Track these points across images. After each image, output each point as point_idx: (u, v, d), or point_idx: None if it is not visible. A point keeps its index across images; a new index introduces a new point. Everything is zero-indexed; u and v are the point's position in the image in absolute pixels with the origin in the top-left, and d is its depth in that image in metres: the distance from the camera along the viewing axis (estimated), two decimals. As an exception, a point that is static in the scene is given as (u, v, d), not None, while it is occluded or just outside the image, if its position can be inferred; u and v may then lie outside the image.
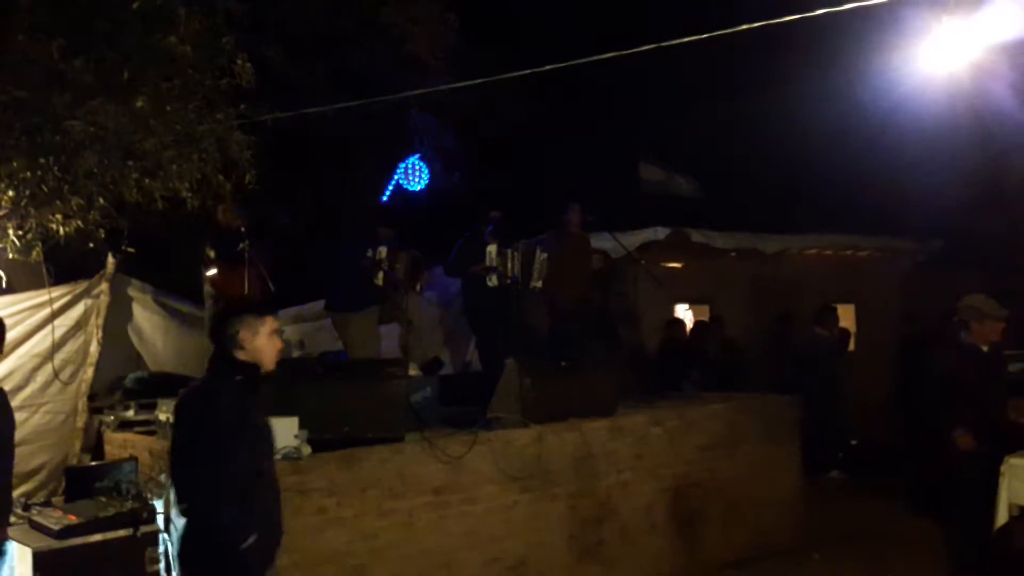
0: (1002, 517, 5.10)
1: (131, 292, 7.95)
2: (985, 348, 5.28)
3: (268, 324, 3.42)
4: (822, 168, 11.29)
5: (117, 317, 7.69)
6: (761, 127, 11.40)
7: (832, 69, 9.58)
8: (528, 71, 5.56)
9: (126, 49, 5.11)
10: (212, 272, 5.88)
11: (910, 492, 7.34)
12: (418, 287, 7.48)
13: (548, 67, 5.54)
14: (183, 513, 3.22)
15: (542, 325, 7.10)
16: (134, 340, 8.01)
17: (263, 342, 3.40)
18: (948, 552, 5.48)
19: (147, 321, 8.06)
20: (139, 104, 5.22)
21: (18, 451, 6.92)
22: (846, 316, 10.57)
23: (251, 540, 3.19)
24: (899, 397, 8.36)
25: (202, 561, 3.24)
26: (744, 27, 5.05)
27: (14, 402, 7.02)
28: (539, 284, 7.08)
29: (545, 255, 7.09)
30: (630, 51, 5.29)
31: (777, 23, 5.02)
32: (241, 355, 3.36)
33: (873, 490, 8.23)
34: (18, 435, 7.00)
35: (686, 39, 5.15)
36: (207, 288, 6.05)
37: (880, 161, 10.96)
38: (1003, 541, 5.15)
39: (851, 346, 10.77)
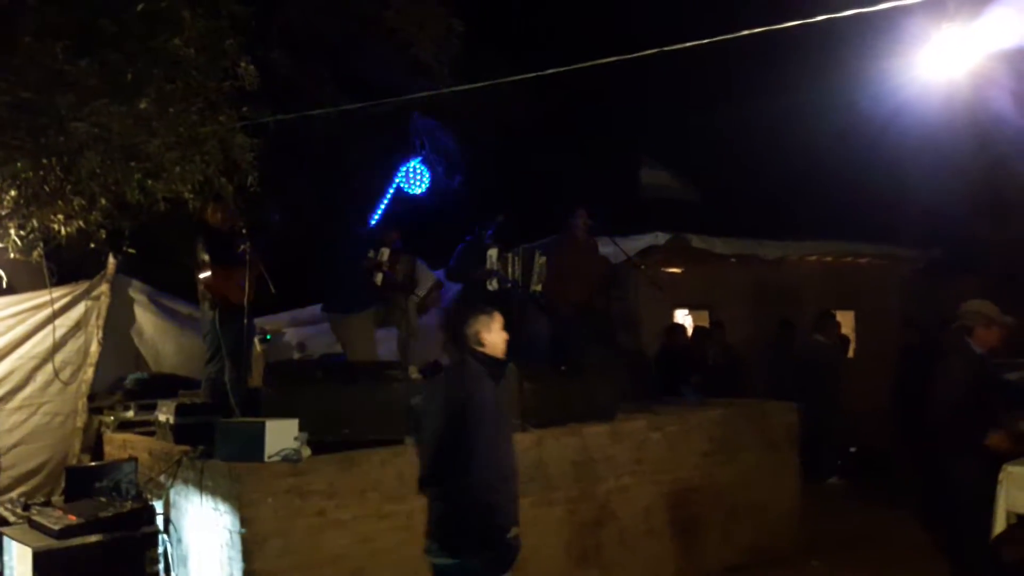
0: (1000, 525, 5.11)
1: (132, 293, 7.96)
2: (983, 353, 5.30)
3: (498, 321, 3.86)
4: (822, 175, 11.31)
5: (117, 318, 7.70)
6: (761, 133, 11.43)
7: (832, 76, 9.59)
8: (530, 75, 5.56)
9: (130, 51, 5.12)
10: (206, 275, 5.86)
11: (917, 498, 7.32)
12: (417, 296, 7.48)
13: (550, 71, 5.54)
14: (457, 497, 3.57)
15: (543, 329, 7.09)
16: (134, 341, 8.03)
17: (496, 337, 3.83)
18: (949, 559, 5.48)
19: (147, 322, 8.08)
20: (143, 105, 5.23)
21: (17, 451, 6.97)
22: (846, 323, 10.58)
23: (515, 531, 3.62)
24: (898, 404, 8.37)
25: (472, 540, 3.59)
26: (745, 32, 5.06)
27: (13, 402, 7.07)
28: (538, 288, 7.07)
29: (544, 258, 7.09)
30: (631, 55, 5.30)
31: (777, 29, 5.03)
32: (481, 349, 3.79)
33: (872, 497, 8.23)
34: (17, 435, 7.06)
35: (687, 44, 5.16)
36: (201, 291, 6.03)
37: (880, 168, 10.99)
38: (995, 551, 5.16)
39: (851, 353, 10.78)
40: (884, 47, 5.96)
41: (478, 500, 3.53)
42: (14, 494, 6.70)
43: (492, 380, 3.72)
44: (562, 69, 5.48)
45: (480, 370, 3.73)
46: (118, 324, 7.75)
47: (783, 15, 5.03)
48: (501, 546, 3.60)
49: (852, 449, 9.45)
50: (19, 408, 7.10)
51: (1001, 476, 5.14)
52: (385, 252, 7.05)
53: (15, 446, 6.99)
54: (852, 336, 11.07)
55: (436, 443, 3.69)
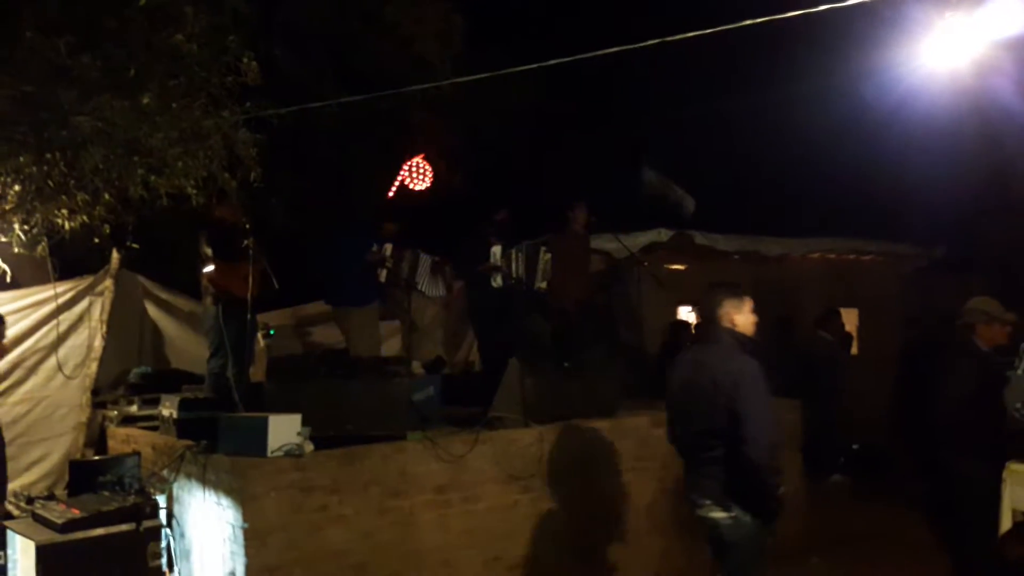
0: (1005, 523, 5.10)
1: (135, 288, 7.97)
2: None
3: (748, 303, 4.18)
4: (826, 171, 11.29)
5: (121, 313, 7.71)
6: (763, 128, 11.39)
7: (834, 66, 9.54)
8: (532, 66, 5.54)
9: (133, 46, 5.13)
10: (209, 269, 5.88)
11: (919, 495, 7.31)
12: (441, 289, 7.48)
13: (552, 61, 5.52)
14: (734, 460, 3.94)
15: (545, 325, 7.10)
16: (138, 336, 8.04)
17: (746, 318, 4.16)
18: (951, 557, 5.47)
19: (151, 317, 8.09)
20: (145, 101, 5.24)
21: (18, 443, 7.00)
22: (849, 320, 10.56)
23: (783, 488, 4.06)
24: (900, 401, 8.35)
25: (749, 497, 4.00)
26: (747, 23, 5.04)
27: (16, 395, 7.09)
28: (543, 285, 7.07)
29: (549, 255, 7.09)
30: (631, 46, 5.27)
31: (779, 19, 5.00)
32: (734, 328, 4.12)
33: (873, 494, 8.23)
34: (19, 428, 7.08)
35: (687, 35, 5.14)
36: (204, 285, 6.05)
37: (883, 164, 10.95)
38: (1000, 549, 5.15)
39: (853, 350, 10.77)
40: (887, 36, 5.91)
41: (755, 463, 3.88)
42: (16, 485, 6.75)
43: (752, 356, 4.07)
44: (564, 60, 5.46)
45: (739, 347, 4.07)
46: (122, 319, 7.76)
47: (785, 5, 5.02)
48: (773, 501, 4.02)
49: (854, 446, 9.44)
50: (20, 401, 7.12)
51: (1005, 474, 5.12)
52: (388, 247, 7.05)
53: (16, 439, 7.02)
54: (855, 333, 11.05)
55: (708, 412, 4.02)
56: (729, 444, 3.94)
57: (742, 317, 4.15)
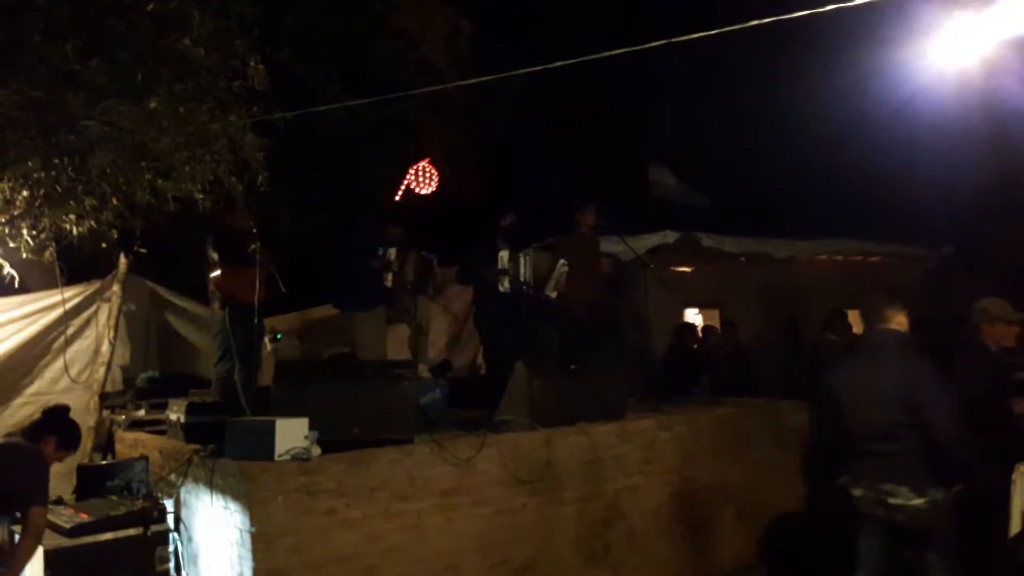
0: (1015, 525, 5.06)
1: (142, 292, 8.00)
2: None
3: (905, 310, 4.61)
4: (833, 172, 11.25)
5: (128, 317, 7.74)
6: (771, 129, 11.37)
7: (843, 65, 9.51)
8: (538, 67, 5.53)
9: (140, 50, 5.14)
10: (215, 274, 5.88)
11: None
12: (430, 290, 7.49)
13: (558, 63, 5.50)
14: (924, 449, 4.30)
15: (552, 328, 7.08)
16: (145, 340, 8.06)
17: (905, 321, 4.58)
18: (961, 558, 5.43)
19: (158, 321, 8.12)
20: (153, 105, 5.26)
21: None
22: (857, 322, 10.50)
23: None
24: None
25: (942, 480, 4.34)
26: (754, 23, 5.02)
27: (22, 398, 7.13)
28: (554, 294, 6.99)
29: (566, 267, 6.98)
30: (638, 47, 5.25)
31: (787, 19, 4.99)
32: (899, 331, 4.57)
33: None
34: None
35: (695, 35, 5.12)
36: (211, 290, 6.06)
37: (891, 164, 10.92)
38: (1011, 551, 5.11)
39: (861, 352, 10.70)
40: (894, 36, 5.89)
41: (951, 441, 4.21)
42: None
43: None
44: (570, 62, 5.45)
45: (908, 347, 4.48)
46: (129, 323, 7.78)
47: (792, 6, 5.00)
48: (975, 470, 4.38)
49: (863, 449, 9.38)
50: (26, 404, 7.16)
51: (1015, 475, 5.08)
52: (392, 252, 7.05)
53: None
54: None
55: (893, 408, 4.34)
56: (919, 434, 4.27)
57: (902, 320, 4.61)
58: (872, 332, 4.71)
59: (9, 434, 4.70)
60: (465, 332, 9.38)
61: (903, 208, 10.90)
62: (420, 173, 12.45)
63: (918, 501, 4.33)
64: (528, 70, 5.58)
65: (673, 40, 5.06)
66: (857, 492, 4.56)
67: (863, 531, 4.58)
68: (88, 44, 4.98)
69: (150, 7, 5.06)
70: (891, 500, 4.39)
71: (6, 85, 4.89)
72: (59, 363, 7.22)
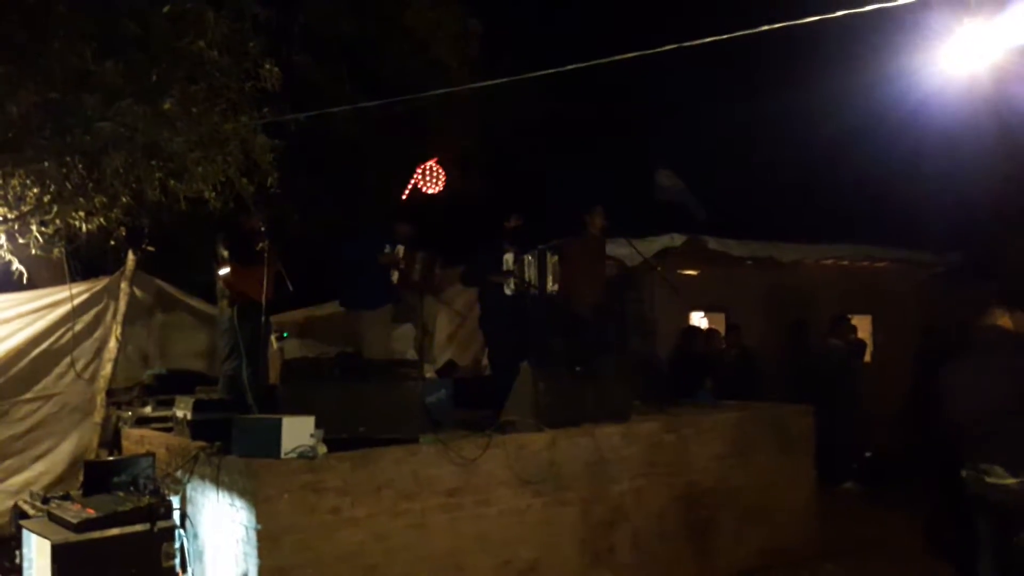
0: None
1: (150, 290, 8.03)
2: None
3: (1005, 313, 4.87)
4: (841, 177, 11.25)
5: (136, 314, 7.77)
6: (780, 134, 11.36)
7: (852, 71, 9.51)
8: (548, 71, 5.54)
9: (155, 52, 5.18)
10: (225, 271, 5.92)
11: (933, 503, 7.26)
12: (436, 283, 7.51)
13: (568, 67, 5.51)
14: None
15: (558, 330, 7.09)
16: (153, 337, 8.09)
17: (1014, 321, 4.86)
18: (963, 565, 5.45)
19: (166, 319, 8.15)
20: (166, 106, 5.30)
21: (27, 437, 7.12)
22: (863, 327, 10.50)
23: None
24: (916, 409, 8.30)
25: None
26: (764, 28, 5.03)
27: (30, 394, 7.18)
28: (555, 288, 7.05)
29: (556, 257, 7.04)
30: (648, 52, 5.26)
31: (797, 24, 4.99)
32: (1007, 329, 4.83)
33: (887, 502, 8.18)
34: (28, 423, 7.18)
35: (703, 40, 5.12)
36: (220, 288, 6.09)
37: (899, 170, 10.90)
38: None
39: (867, 357, 10.70)
40: (905, 43, 5.90)
41: None
42: (20, 479, 6.84)
43: None
44: (579, 65, 5.46)
45: (1017, 342, 4.78)
46: (137, 321, 7.82)
47: (802, 12, 5.00)
48: None
49: (867, 453, 9.39)
50: (32, 399, 7.20)
51: None
52: (400, 249, 7.07)
53: (26, 434, 7.12)
54: (869, 340, 10.99)
55: (1007, 396, 4.58)
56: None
57: (1007, 320, 4.92)
58: (981, 329, 5.02)
59: None
60: (464, 331, 9.38)
61: (910, 214, 10.89)
62: (427, 173, 12.48)
63: (1011, 481, 4.52)
64: (537, 74, 5.59)
65: (683, 45, 5.07)
66: (964, 473, 4.77)
67: (975, 512, 4.80)
68: (104, 45, 5.02)
69: (166, 9, 5.10)
70: (987, 479, 4.61)
71: (24, 86, 4.93)
72: (66, 360, 7.26)
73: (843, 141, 11.00)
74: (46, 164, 5.23)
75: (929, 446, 7.36)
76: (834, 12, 4.94)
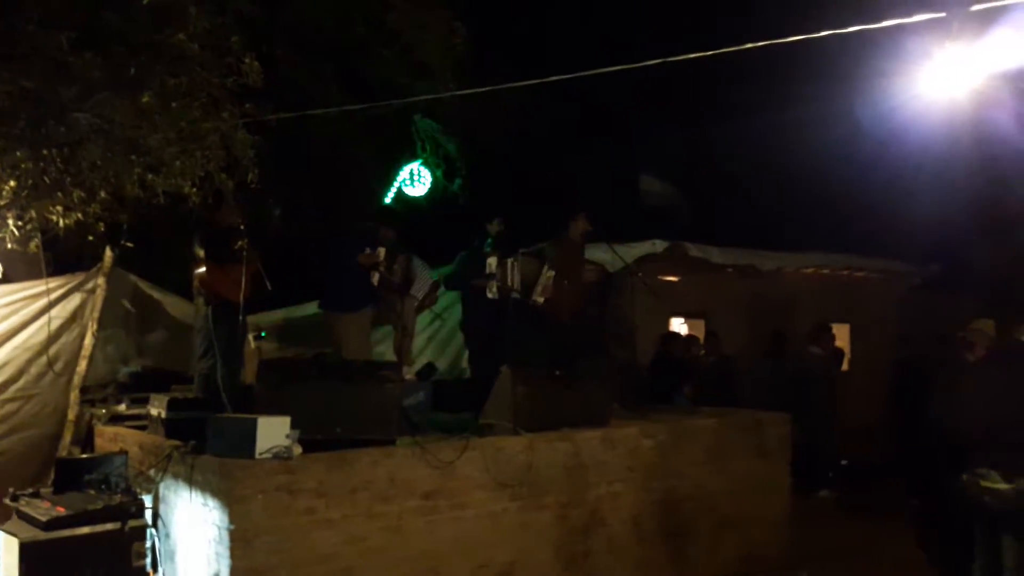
0: None
1: (127, 286, 7.94)
2: None
3: None
4: (821, 189, 11.35)
5: (112, 311, 7.68)
6: (762, 147, 11.45)
7: (834, 92, 9.63)
8: (532, 81, 5.57)
9: (135, 44, 5.13)
10: (201, 270, 5.85)
11: (909, 511, 7.32)
12: (416, 298, 7.49)
13: (552, 78, 5.55)
14: None
15: (538, 334, 7.08)
16: (129, 334, 8.01)
17: None
18: (940, 573, 5.52)
19: (142, 316, 8.06)
20: (145, 99, 5.24)
21: (6, 441, 6.98)
22: (841, 336, 10.59)
23: None
24: (893, 418, 8.37)
25: None
26: (748, 46, 5.08)
27: (7, 393, 7.05)
28: (540, 300, 7.03)
29: (552, 272, 7.02)
30: (633, 65, 5.31)
31: (780, 43, 5.04)
32: None
33: (862, 509, 8.24)
34: (8, 425, 7.05)
35: (689, 56, 5.18)
36: (196, 286, 6.02)
37: (879, 184, 11.03)
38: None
39: (845, 366, 10.79)
40: (886, 65, 5.98)
41: None
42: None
43: None
44: (564, 76, 5.49)
45: None
46: (113, 317, 7.72)
47: (786, 30, 5.05)
48: None
49: (844, 462, 9.45)
50: (11, 399, 7.09)
51: None
52: (381, 251, 7.04)
53: (7, 435, 6.99)
54: (847, 349, 11.08)
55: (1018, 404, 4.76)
56: None
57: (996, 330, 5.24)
58: (1008, 343, 5.30)
59: None
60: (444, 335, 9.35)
61: (890, 224, 11.01)
62: (412, 175, 12.47)
63: (1005, 486, 4.72)
64: (521, 84, 5.61)
65: (668, 60, 5.11)
66: (964, 477, 4.93)
67: (971, 516, 5.00)
68: (83, 36, 4.96)
69: (146, 1, 5.05)
70: (983, 483, 4.81)
71: (-2, 75, 4.87)
72: (43, 358, 7.15)
73: (825, 154, 11.11)
74: (19, 154, 5.16)
75: (908, 454, 7.44)
76: (819, 32, 5.00)
